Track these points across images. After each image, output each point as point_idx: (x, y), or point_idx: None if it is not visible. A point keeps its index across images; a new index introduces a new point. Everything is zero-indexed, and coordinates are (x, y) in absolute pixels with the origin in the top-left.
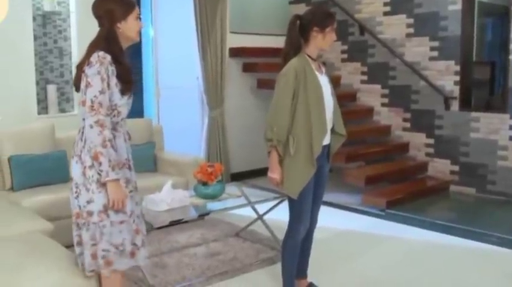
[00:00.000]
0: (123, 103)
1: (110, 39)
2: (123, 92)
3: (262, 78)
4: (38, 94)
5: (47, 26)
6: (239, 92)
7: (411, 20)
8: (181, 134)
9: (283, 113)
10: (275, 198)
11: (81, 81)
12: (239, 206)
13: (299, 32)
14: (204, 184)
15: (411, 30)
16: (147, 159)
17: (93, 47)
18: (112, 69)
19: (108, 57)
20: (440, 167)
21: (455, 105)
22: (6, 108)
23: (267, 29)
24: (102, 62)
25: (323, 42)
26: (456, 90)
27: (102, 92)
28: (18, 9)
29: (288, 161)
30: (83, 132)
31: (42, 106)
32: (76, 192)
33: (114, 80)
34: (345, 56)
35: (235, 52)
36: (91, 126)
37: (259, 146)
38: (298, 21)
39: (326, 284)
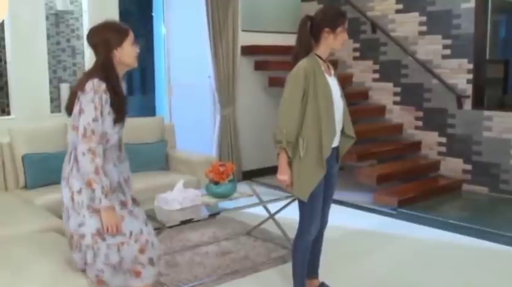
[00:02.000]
0: (114, 132)
1: (106, 67)
2: (115, 121)
3: (274, 77)
4: (51, 93)
5: (60, 25)
6: (251, 90)
7: (424, 18)
8: (193, 131)
9: (293, 114)
10: (287, 197)
11: (74, 107)
12: (251, 205)
13: (310, 32)
14: (216, 183)
15: (424, 28)
16: (159, 157)
17: (89, 75)
18: (106, 97)
19: (103, 86)
20: (453, 166)
21: (468, 104)
22: (19, 107)
23: (278, 27)
24: (96, 91)
25: (334, 42)
26: (469, 89)
27: (95, 120)
28: (31, 8)
29: (297, 163)
30: (70, 156)
31: (55, 105)
32: (67, 215)
33: (107, 109)
34: (357, 54)
35: (247, 50)
36: (83, 154)
37: (270, 144)
38: (308, 22)
39: (337, 283)
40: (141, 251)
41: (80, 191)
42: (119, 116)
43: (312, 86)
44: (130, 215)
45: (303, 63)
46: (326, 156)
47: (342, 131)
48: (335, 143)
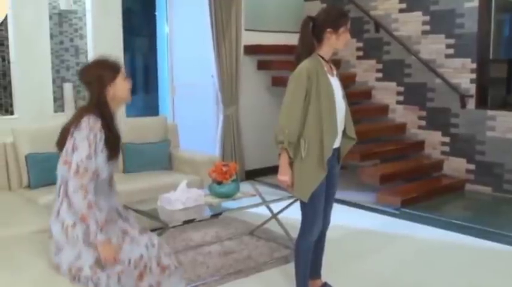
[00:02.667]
0: (105, 168)
1: (100, 104)
2: (109, 158)
3: (277, 76)
4: (54, 92)
5: (63, 24)
6: (254, 89)
7: (427, 17)
8: (195, 131)
9: (295, 115)
10: (289, 197)
11: (67, 142)
12: (254, 205)
13: (312, 33)
14: (219, 183)
15: (427, 27)
16: (162, 157)
17: (83, 111)
18: (101, 135)
19: (99, 124)
20: (456, 166)
21: (471, 104)
22: (23, 106)
23: (282, 27)
24: (92, 128)
25: (337, 42)
26: (472, 88)
27: (88, 157)
28: (34, 8)
29: (298, 164)
30: (60, 190)
31: (59, 104)
32: (57, 247)
33: (100, 146)
34: (360, 53)
35: (250, 50)
36: (75, 191)
37: (273, 144)
38: (311, 23)
39: (340, 283)
40: (140, 277)
41: (74, 225)
42: (113, 154)
43: (315, 86)
44: (131, 243)
45: (305, 64)
46: (327, 157)
47: (343, 132)
48: (336, 144)
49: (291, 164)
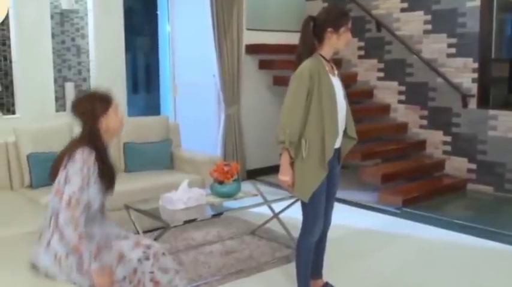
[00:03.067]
0: (98, 199)
1: (94, 136)
2: (103, 190)
3: (279, 75)
4: (56, 92)
5: (65, 24)
6: (255, 89)
7: (429, 17)
8: (197, 130)
9: (297, 115)
10: (291, 196)
11: (60, 173)
12: (255, 205)
13: (313, 33)
14: (220, 182)
15: (429, 26)
16: (164, 156)
17: (78, 143)
18: (94, 168)
19: (93, 157)
20: (458, 165)
21: (473, 103)
22: (24, 106)
23: (283, 26)
24: (86, 160)
25: (338, 42)
26: (474, 88)
27: (81, 189)
28: (36, 7)
29: (299, 164)
30: (50, 221)
31: (60, 104)
32: (46, 275)
33: (93, 179)
34: (362, 52)
35: (252, 49)
36: (66, 224)
37: (275, 143)
38: (311, 23)
39: (341, 283)
40: None
41: (67, 256)
42: (107, 186)
43: (317, 86)
44: (124, 265)
45: (307, 63)
46: (328, 157)
47: (344, 132)
48: (337, 144)
49: (292, 164)
